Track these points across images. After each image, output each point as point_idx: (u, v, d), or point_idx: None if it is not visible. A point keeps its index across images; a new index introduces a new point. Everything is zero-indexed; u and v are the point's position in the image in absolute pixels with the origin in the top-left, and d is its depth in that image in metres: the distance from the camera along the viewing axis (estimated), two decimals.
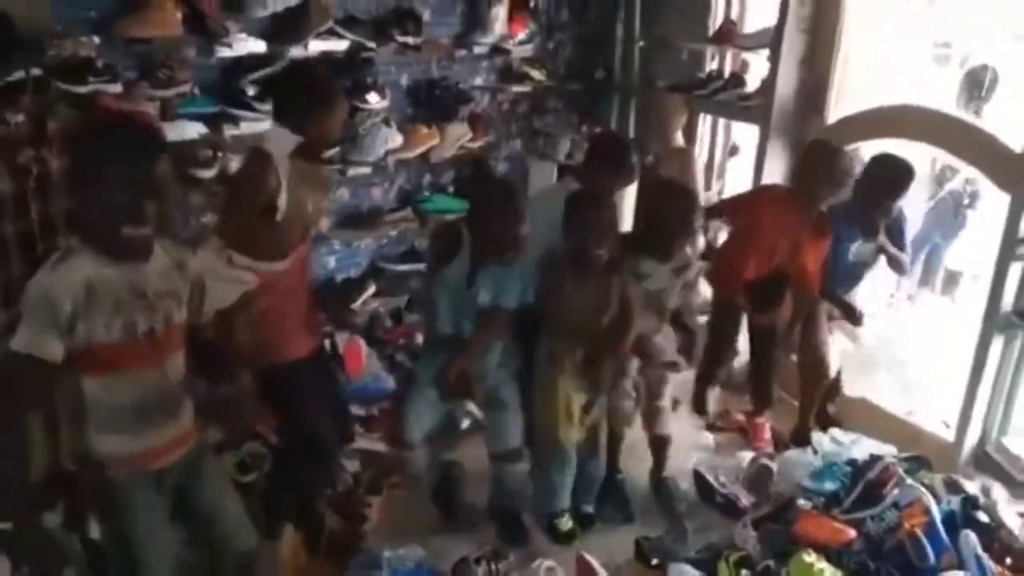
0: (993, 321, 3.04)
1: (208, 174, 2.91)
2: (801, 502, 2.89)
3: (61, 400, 1.85)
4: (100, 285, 1.75)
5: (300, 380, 2.49)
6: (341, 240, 3.65)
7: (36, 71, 2.29)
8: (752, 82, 3.82)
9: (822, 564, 2.50)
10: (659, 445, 3.13)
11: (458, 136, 3.77)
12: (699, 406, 3.61)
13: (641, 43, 4.28)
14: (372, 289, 3.64)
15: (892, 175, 3.10)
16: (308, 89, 2.40)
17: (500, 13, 3.76)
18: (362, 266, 3.76)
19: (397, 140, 3.55)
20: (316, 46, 3.14)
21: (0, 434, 1.78)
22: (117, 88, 2.67)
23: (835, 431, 3.33)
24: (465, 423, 3.22)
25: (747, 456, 3.33)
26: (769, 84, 3.60)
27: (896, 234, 3.24)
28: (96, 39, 2.65)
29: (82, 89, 2.60)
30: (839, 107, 3.61)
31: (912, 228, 3.62)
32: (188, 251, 2.00)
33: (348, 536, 2.73)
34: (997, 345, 3.08)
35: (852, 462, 3.02)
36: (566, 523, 2.87)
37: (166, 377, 1.92)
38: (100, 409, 1.84)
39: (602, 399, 2.83)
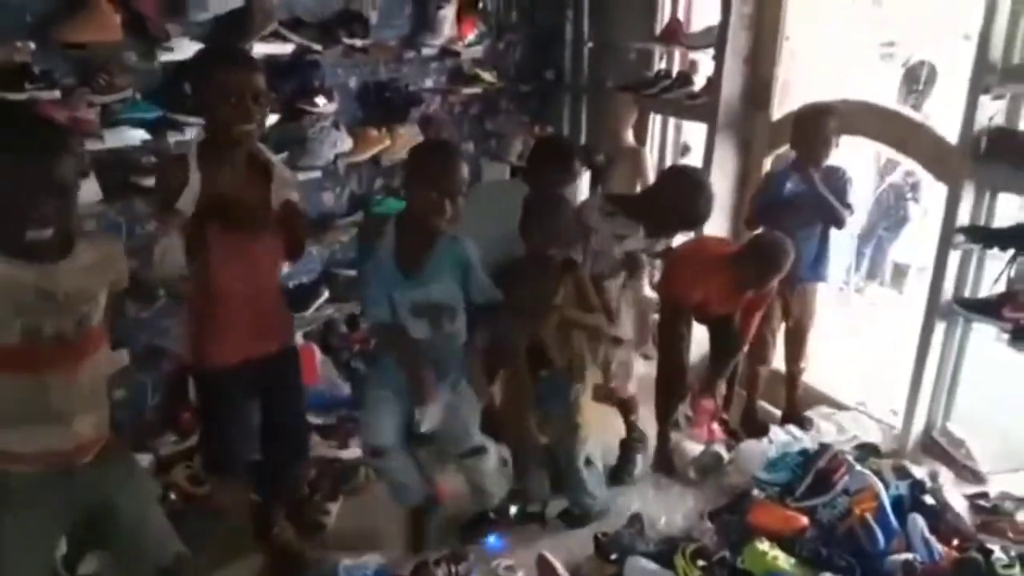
0: (935, 309, 3.11)
1: (152, 182, 2.84)
2: (755, 492, 2.94)
3: None
4: (2, 286, 1.68)
5: (225, 389, 2.36)
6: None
7: None
8: (700, 81, 3.87)
9: (776, 552, 2.54)
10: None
11: (409, 138, 3.76)
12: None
13: (590, 44, 4.31)
14: (325, 295, 3.61)
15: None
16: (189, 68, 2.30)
17: (448, 15, 3.76)
18: (315, 272, 3.72)
19: (347, 143, 3.53)
20: (261, 49, 3.11)
21: None
22: (55, 95, 2.61)
23: (791, 426, 3.38)
24: None
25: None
26: (715, 82, 3.65)
27: (839, 191, 3.27)
28: (32, 44, 2.59)
29: (19, 96, 2.53)
30: (784, 104, 3.68)
31: (857, 223, 3.70)
32: (116, 248, 1.94)
33: (300, 547, 2.68)
34: (939, 333, 3.16)
35: (804, 452, 3.07)
36: (533, 505, 2.91)
37: (77, 381, 1.81)
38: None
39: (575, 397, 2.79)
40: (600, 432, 3.04)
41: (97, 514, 1.91)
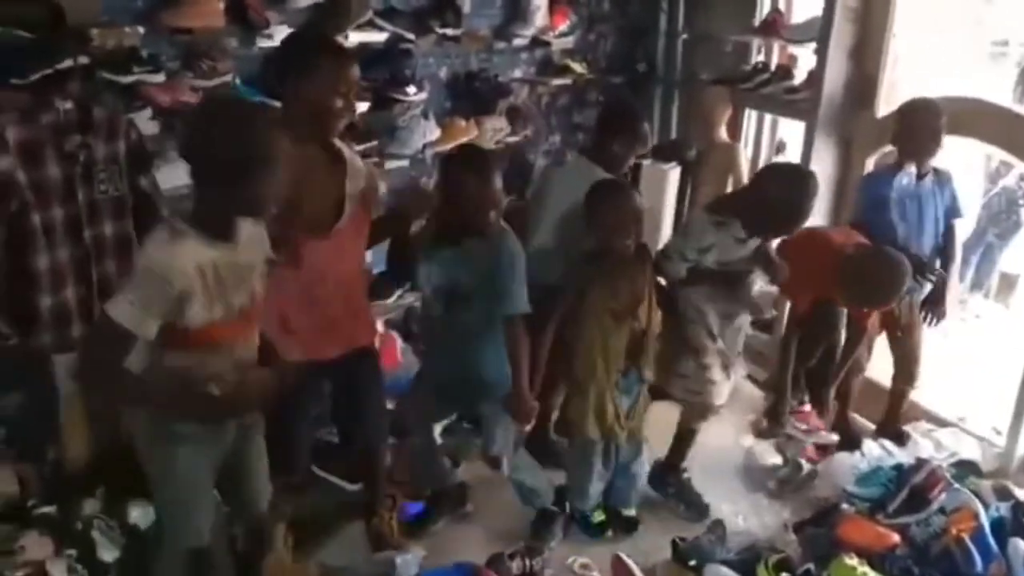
0: None
1: None
2: (844, 506, 2.83)
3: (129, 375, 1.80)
4: (208, 268, 1.77)
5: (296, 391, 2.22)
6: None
7: (84, 59, 2.31)
8: (799, 75, 3.73)
9: (865, 568, 2.44)
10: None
11: (496, 130, 3.74)
12: (772, 416, 3.27)
13: (684, 35, 4.21)
14: (407, 283, 3.63)
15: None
16: (284, 60, 2.22)
17: (541, 4, 3.73)
18: None
19: (435, 133, 3.53)
20: (356, 37, 3.14)
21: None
22: (160, 78, 2.69)
23: (885, 441, 3.23)
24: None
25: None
26: (816, 77, 3.51)
27: (947, 193, 3.13)
28: (141, 29, 2.68)
29: (126, 79, 2.62)
30: (889, 102, 3.50)
31: (965, 229, 3.50)
32: (262, 231, 1.98)
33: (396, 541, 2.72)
34: None
35: (898, 466, 2.94)
36: (598, 515, 2.83)
37: (250, 349, 1.95)
38: (180, 382, 1.83)
39: (643, 396, 2.74)
40: None
41: (231, 461, 2.05)
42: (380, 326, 3.68)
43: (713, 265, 2.74)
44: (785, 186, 2.70)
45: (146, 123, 2.69)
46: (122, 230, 2.49)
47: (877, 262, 2.82)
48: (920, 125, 3.04)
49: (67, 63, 2.28)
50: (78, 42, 2.35)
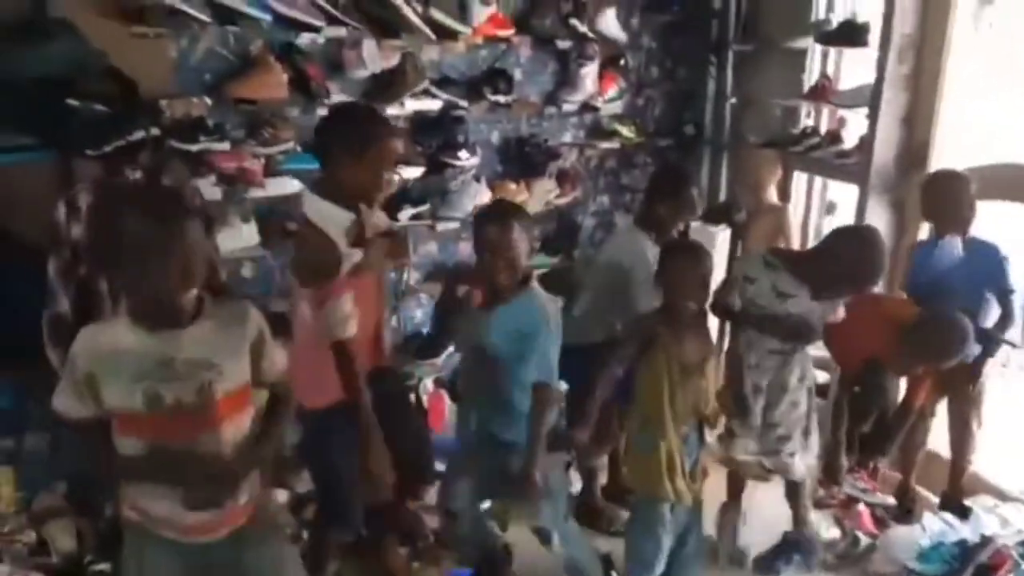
0: None
1: None
2: None
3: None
4: (124, 352, 1.67)
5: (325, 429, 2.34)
6: (428, 294, 3.70)
7: (155, 131, 2.42)
8: (849, 139, 3.72)
9: None
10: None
11: (546, 192, 3.80)
12: (828, 474, 3.15)
13: (733, 99, 4.24)
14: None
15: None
16: (334, 133, 2.26)
17: (590, 71, 3.80)
18: None
19: (486, 196, 3.60)
20: (411, 105, 3.24)
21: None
22: (225, 146, 2.81)
23: (947, 516, 3.11)
24: None
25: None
26: (867, 142, 3.49)
27: (993, 272, 3.02)
28: (208, 100, 2.80)
29: (193, 147, 2.75)
30: (942, 165, 3.47)
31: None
32: (246, 310, 1.84)
33: None
34: None
35: (962, 543, 2.85)
36: None
37: (199, 451, 1.75)
38: (136, 470, 1.76)
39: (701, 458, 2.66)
40: None
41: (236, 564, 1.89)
42: (429, 385, 3.71)
43: (751, 304, 2.74)
44: (858, 246, 2.68)
45: (210, 189, 2.80)
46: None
47: (940, 320, 2.80)
48: (943, 197, 3.02)
49: (139, 135, 2.38)
50: (150, 114, 2.47)
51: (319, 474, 2.53)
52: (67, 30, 2.43)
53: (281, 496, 2.97)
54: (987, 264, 3.03)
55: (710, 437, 2.74)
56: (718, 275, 3.90)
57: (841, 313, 2.80)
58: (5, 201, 2.47)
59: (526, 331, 2.34)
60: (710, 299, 2.64)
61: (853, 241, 2.74)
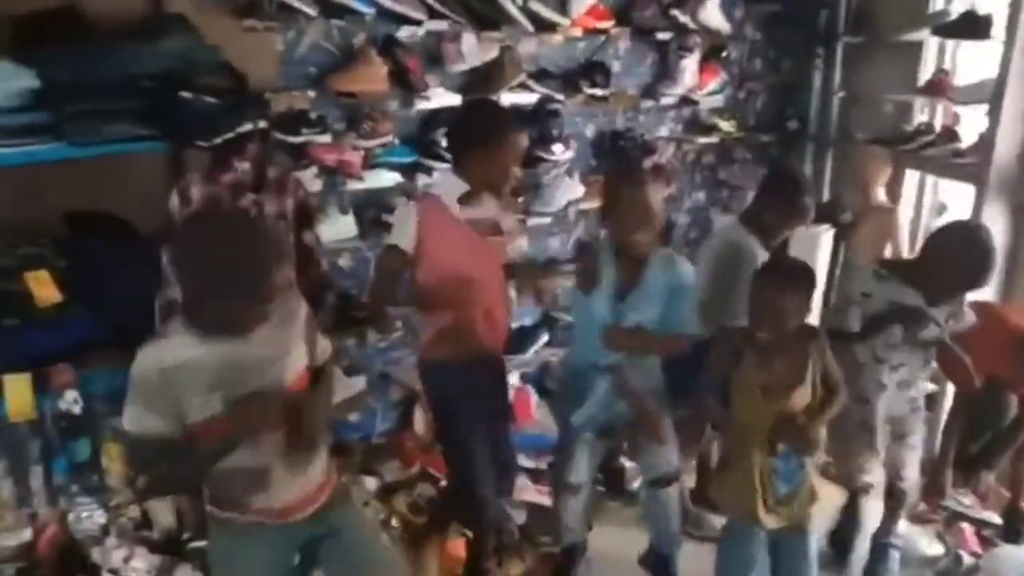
0: None
1: None
2: None
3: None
4: (195, 365, 1.71)
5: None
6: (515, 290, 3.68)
7: (262, 123, 2.48)
8: (966, 137, 3.51)
9: None
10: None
11: None
12: (932, 488, 3.01)
13: (841, 93, 4.06)
14: (545, 338, 3.65)
15: None
16: (466, 127, 2.41)
17: (691, 64, 3.71)
18: (536, 315, 3.77)
19: (579, 191, 3.56)
20: (508, 99, 3.23)
21: None
22: (327, 138, 2.86)
23: None
24: None
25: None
26: (987, 141, 3.29)
27: None
28: (311, 93, 2.86)
29: (296, 139, 2.81)
30: None
31: None
32: (300, 303, 1.93)
33: None
34: None
35: None
36: None
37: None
38: (220, 471, 1.80)
39: (805, 484, 2.51)
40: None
41: (319, 545, 2.00)
42: (516, 379, 3.71)
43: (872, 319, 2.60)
44: (963, 241, 2.53)
45: (311, 180, 2.86)
46: (287, 280, 2.62)
47: None
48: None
49: (247, 127, 2.44)
50: (257, 107, 2.52)
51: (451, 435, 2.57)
52: (181, 25, 2.50)
53: (370, 484, 3.02)
54: None
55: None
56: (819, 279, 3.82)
57: (971, 318, 2.65)
58: (121, 191, 2.57)
59: (678, 284, 2.45)
60: (816, 322, 2.55)
61: (958, 236, 2.58)
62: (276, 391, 1.79)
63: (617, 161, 3.71)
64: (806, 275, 2.38)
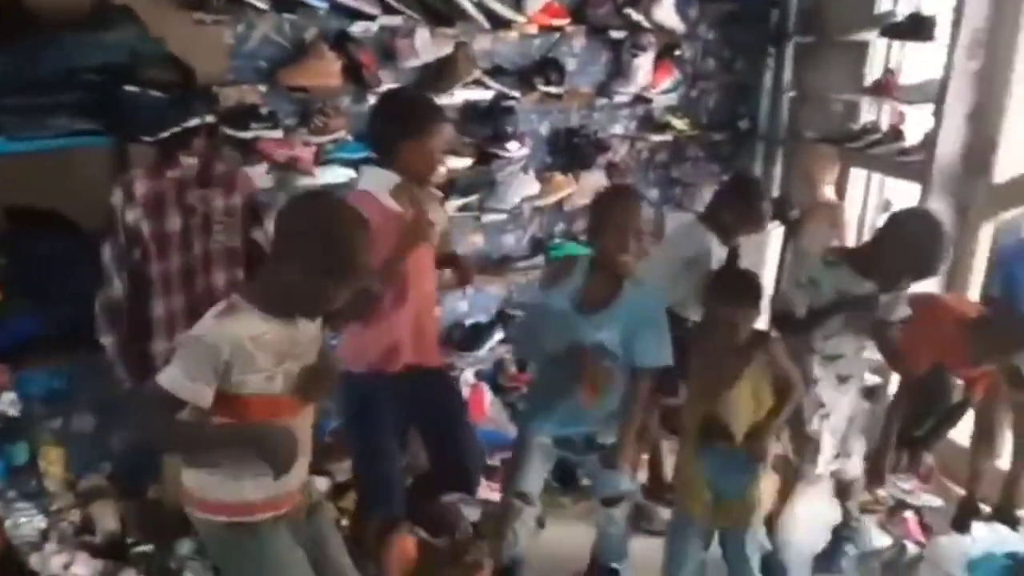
0: None
1: None
2: None
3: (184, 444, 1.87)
4: (264, 340, 1.77)
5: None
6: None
7: (209, 118, 2.43)
8: (911, 136, 3.61)
9: None
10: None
11: (594, 185, 3.75)
12: (873, 473, 3.05)
13: (791, 93, 4.13)
14: (499, 335, 3.65)
15: None
16: (394, 118, 2.37)
17: (644, 62, 3.74)
18: (491, 312, 3.77)
19: (534, 188, 3.57)
20: (462, 95, 3.22)
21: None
22: (277, 134, 2.82)
23: (998, 526, 3.02)
24: None
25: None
26: (931, 140, 3.38)
27: None
28: (262, 87, 2.81)
29: (245, 134, 2.77)
30: (1009, 165, 3.34)
31: None
32: None
33: None
34: None
35: (1012, 555, 2.76)
36: None
37: (309, 420, 1.96)
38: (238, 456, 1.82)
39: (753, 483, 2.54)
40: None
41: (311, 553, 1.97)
42: (471, 376, 3.71)
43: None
44: (917, 227, 2.60)
45: (261, 176, 2.82)
46: (234, 279, 2.58)
47: (1013, 313, 2.78)
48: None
49: (194, 121, 2.40)
50: (205, 101, 2.48)
51: (359, 446, 2.56)
52: (127, 17, 2.45)
53: (321, 484, 2.99)
54: None
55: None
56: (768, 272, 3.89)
57: (905, 311, 2.69)
58: (63, 186, 2.50)
59: (648, 314, 2.41)
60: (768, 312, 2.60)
61: (912, 223, 2.65)
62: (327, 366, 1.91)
63: (572, 159, 3.74)
64: (755, 287, 2.43)
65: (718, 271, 2.64)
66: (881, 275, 2.60)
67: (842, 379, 2.72)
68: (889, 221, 2.76)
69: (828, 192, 3.89)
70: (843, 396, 2.75)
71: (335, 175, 3.00)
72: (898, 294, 2.67)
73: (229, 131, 2.73)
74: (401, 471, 2.56)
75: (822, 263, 2.68)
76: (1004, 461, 3.20)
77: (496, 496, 3.09)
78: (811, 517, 3.03)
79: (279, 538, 1.89)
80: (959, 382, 3.01)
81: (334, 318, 2.44)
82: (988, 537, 2.93)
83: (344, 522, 2.86)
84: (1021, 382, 2.98)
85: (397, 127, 2.33)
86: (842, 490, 2.97)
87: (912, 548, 3.04)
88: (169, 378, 1.72)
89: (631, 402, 2.47)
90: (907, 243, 2.57)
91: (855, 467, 2.88)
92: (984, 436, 3.14)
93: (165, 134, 2.37)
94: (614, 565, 2.76)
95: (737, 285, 2.44)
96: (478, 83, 3.27)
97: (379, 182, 2.37)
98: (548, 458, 2.62)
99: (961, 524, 3.12)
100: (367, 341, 2.41)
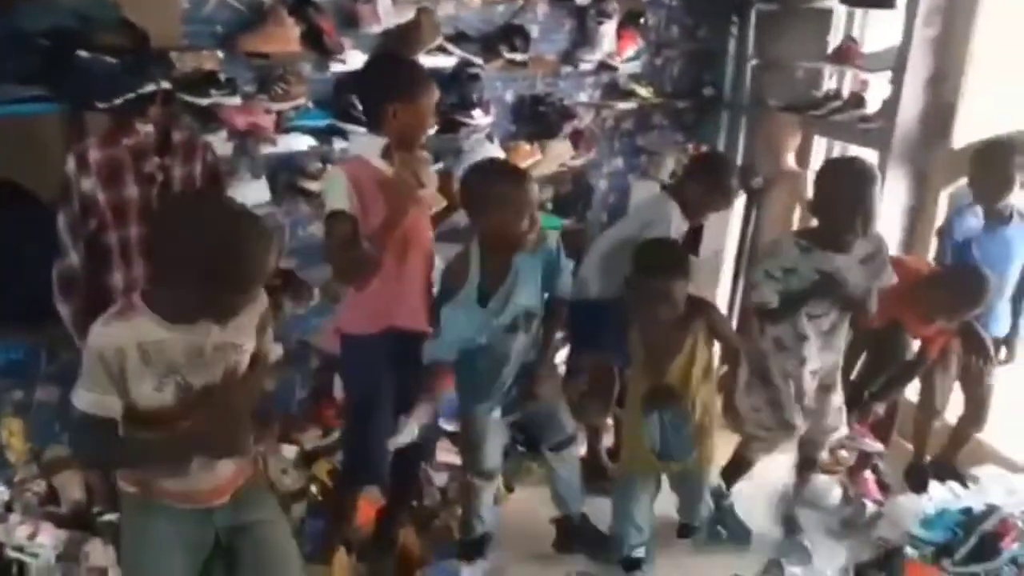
0: None
1: (316, 186, 2.97)
2: (909, 550, 2.74)
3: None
4: (154, 349, 1.67)
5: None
6: (438, 254, 3.66)
7: (165, 84, 2.38)
8: (871, 101, 3.64)
9: None
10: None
11: (559, 153, 3.76)
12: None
13: (754, 61, 4.15)
14: None
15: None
16: (380, 81, 2.33)
17: (608, 30, 3.73)
18: None
19: (499, 156, 3.55)
20: (425, 62, 3.17)
21: None
22: (236, 101, 2.78)
23: (953, 484, 3.12)
24: None
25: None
26: (891, 107, 3.42)
27: None
28: (219, 53, 2.76)
29: (204, 101, 2.71)
30: (968, 133, 3.39)
31: None
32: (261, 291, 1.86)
33: (422, 552, 2.71)
34: None
35: (967, 511, 2.85)
36: (638, 551, 2.74)
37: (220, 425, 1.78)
38: (147, 454, 1.76)
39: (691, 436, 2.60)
40: None
41: (230, 537, 1.92)
42: None
43: (798, 293, 2.62)
44: (836, 173, 2.62)
45: (221, 144, 2.77)
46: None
47: (965, 270, 2.86)
48: (992, 168, 2.95)
49: (149, 87, 2.34)
50: (160, 67, 2.43)
51: (351, 407, 2.55)
52: None
53: (289, 452, 3.00)
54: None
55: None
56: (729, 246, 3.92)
57: (893, 278, 2.69)
58: (16, 155, 2.44)
59: (550, 259, 2.47)
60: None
61: (829, 174, 2.65)
62: (230, 383, 1.77)
63: (538, 127, 3.72)
64: (679, 257, 2.52)
65: (639, 245, 2.61)
66: (836, 235, 2.57)
67: (826, 334, 2.72)
68: (814, 186, 2.72)
69: (790, 161, 3.93)
70: (828, 350, 2.75)
71: (297, 143, 2.97)
72: (878, 264, 2.67)
73: (187, 98, 2.67)
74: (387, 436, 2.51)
75: (796, 248, 2.62)
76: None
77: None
78: (773, 477, 3.10)
79: (174, 531, 1.82)
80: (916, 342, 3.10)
81: (331, 287, 2.43)
82: (944, 495, 3.03)
83: (313, 489, 2.88)
84: (976, 341, 3.07)
85: (383, 90, 2.29)
86: (808, 465, 3.00)
87: (871, 507, 3.12)
88: (77, 397, 1.66)
89: (548, 330, 2.56)
90: (836, 187, 2.55)
91: (831, 426, 2.87)
92: (927, 395, 3.22)
93: (119, 101, 2.30)
94: (580, 510, 2.83)
95: (661, 257, 2.50)
96: (441, 50, 3.24)
97: (369, 146, 2.34)
98: (500, 430, 2.63)
99: (916, 483, 3.21)
100: (365, 304, 2.38)
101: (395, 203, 2.22)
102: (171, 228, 1.65)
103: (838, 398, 2.83)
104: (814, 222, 2.68)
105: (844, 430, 2.90)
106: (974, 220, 3.04)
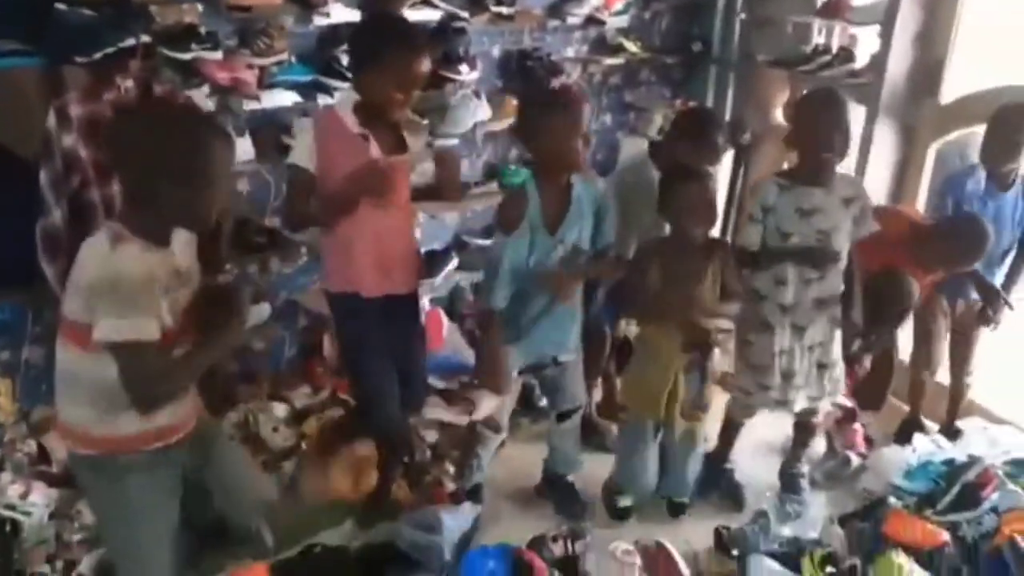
0: None
1: None
2: (892, 501, 2.78)
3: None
4: (157, 271, 1.70)
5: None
6: (426, 212, 3.65)
7: (145, 38, 2.34)
8: (860, 56, 3.62)
9: (912, 566, 2.39)
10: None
11: None
12: None
13: (742, 15, 4.10)
14: (455, 262, 3.63)
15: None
16: (354, 44, 2.34)
17: None
18: (446, 239, 3.76)
19: (486, 112, 3.51)
20: (411, 16, 3.12)
21: None
22: (218, 55, 2.72)
23: (937, 436, 3.17)
24: None
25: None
26: (880, 61, 3.40)
27: None
28: (200, 6, 2.70)
29: (185, 56, 2.66)
30: (957, 88, 3.39)
31: None
32: None
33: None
34: None
35: (949, 462, 2.89)
36: (624, 500, 2.84)
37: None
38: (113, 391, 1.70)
39: (706, 390, 2.67)
40: None
41: (199, 473, 1.96)
42: (426, 304, 3.71)
43: (778, 237, 2.62)
44: (813, 104, 2.62)
45: (203, 99, 2.73)
46: None
47: (967, 221, 2.85)
48: (1005, 130, 2.89)
49: (129, 42, 2.30)
50: (140, 20, 2.38)
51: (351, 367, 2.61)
52: None
53: (279, 410, 3.01)
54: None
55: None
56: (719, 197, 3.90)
57: (874, 227, 2.69)
58: None
59: (601, 204, 2.53)
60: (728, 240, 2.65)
61: (807, 107, 2.66)
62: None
63: (525, 82, 3.68)
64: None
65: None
66: (818, 160, 2.56)
67: (819, 302, 2.71)
68: (793, 120, 2.76)
69: (779, 116, 3.91)
70: (819, 319, 2.74)
71: (279, 98, 2.92)
72: (863, 205, 2.66)
73: (168, 52, 2.62)
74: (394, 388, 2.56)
75: (776, 187, 2.62)
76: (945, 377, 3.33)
77: (454, 419, 3.14)
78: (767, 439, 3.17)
79: (149, 482, 1.83)
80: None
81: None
82: (927, 448, 3.08)
83: (304, 446, 2.90)
84: (988, 290, 3.02)
85: (358, 55, 2.29)
86: (808, 428, 2.99)
87: (855, 459, 3.17)
88: (106, 329, 1.63)
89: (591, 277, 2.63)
90: (817, 117, 2.54)
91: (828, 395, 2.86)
92: (922, 346, 3.24)
93: (99, 55, 2.27)
94: (568, 476, 2.88)
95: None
96: (427, 3, 3.18)
97: (347, 103, 2.32)
98: (515, 387, 2.71)
99: (903, 436, 3.26)
100: (338, 265, 2.42)
101: (355, 181, 2.23)
102: (130, 139, 1.71)
103: (837, 371, 2.82)
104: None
105: (839, 397, 2.93)
106: (972, 183, 3.01)
